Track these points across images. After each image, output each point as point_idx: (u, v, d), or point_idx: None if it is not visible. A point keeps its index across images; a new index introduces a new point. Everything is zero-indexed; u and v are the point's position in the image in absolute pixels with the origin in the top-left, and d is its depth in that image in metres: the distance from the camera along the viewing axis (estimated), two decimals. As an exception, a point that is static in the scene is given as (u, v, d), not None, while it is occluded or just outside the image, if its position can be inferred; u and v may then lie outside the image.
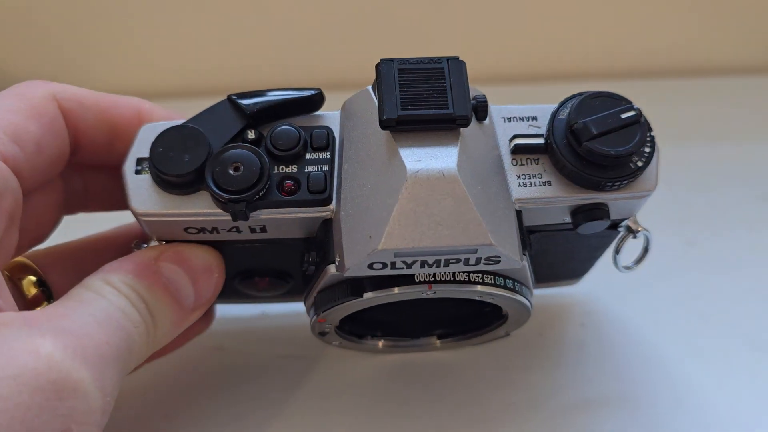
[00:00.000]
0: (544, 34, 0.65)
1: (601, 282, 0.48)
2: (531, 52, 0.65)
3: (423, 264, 0.32)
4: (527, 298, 0.36)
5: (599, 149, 0.33)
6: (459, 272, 0.34)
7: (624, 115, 0.34)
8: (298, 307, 0.40)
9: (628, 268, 0.39)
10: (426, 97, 0.32)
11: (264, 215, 0.33)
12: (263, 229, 0.35)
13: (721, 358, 0.44)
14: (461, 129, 0.32)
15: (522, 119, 0.35)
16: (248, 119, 0.34)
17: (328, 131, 0.34)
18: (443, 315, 0.43)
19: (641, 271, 0.48)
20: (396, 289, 0.34)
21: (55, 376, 0.25)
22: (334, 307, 0.35)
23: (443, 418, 0.42)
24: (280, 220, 0.34)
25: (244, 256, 0.37)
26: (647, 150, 0.34)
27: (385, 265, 0.32)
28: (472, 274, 0.34)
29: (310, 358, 0.44)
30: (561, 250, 0.39)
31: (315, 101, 0.35)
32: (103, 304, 0.31)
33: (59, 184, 0.38)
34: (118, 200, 0.35)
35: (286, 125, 0.34)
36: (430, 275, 0.34)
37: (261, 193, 0.33)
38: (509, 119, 0.35)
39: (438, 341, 0.43)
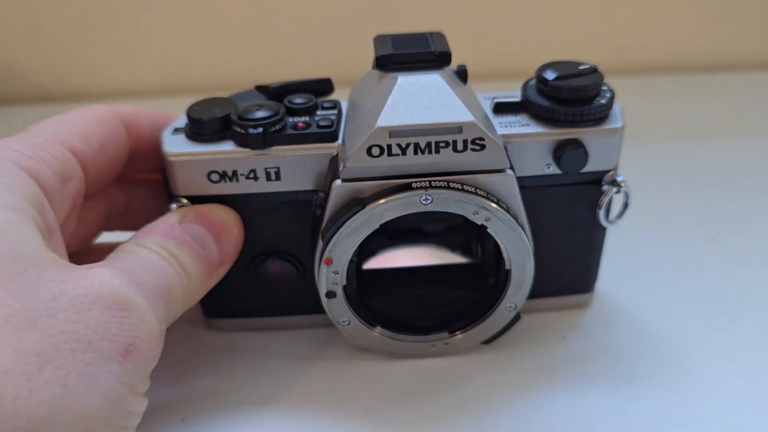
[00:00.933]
0: (542, 31, 0.69)
1: (625, 283, 0.48)
2: (528, 49, 0.69)
3: (416, 149, 0.37)
4: (524, 230, 0.39)
5: (563, 84, 0.39)
6: (453, 182, 0.38)
7: (581, 66, 0.41)
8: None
9: (610, 222, 0.42)
10: (413, 45, 0.40)
11: (278, 150, 0.39)
12: (278, 176, 0.40)
13: (752, 362, 0.42)
14: (445, 68, 0.39)
15: (500, 96, 0.43)
16: (271, 95, 0.42)
17: (337, 102, 0.42)
18: (450, 309, 0.43)
19: (664, 270, 0.50)
20: (392, 196, 0.37)
21: (117, 298, 0.30)
22: (339, 231, 0.38)
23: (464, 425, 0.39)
24: (292, 159, 0.39)
25: (259, 224, 0.41)
26: (608, 94, 0.40)
27: (382, 150, 0.36)
28: (465, 185, 0.38)
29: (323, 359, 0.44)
30: (556, 223, 0.42)
31: (325, 87, 0.43)
32: (144, 256, 0.35)
33: (105, 197, 0.43)
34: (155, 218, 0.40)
35: (301, 94, 0.41)
36: (426, 183, 0.37)
37: (277, 126, 0.39)
38: (488, 98, 0.42)
39: (449, 335, 0.42)
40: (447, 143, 0.36)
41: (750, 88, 0.69)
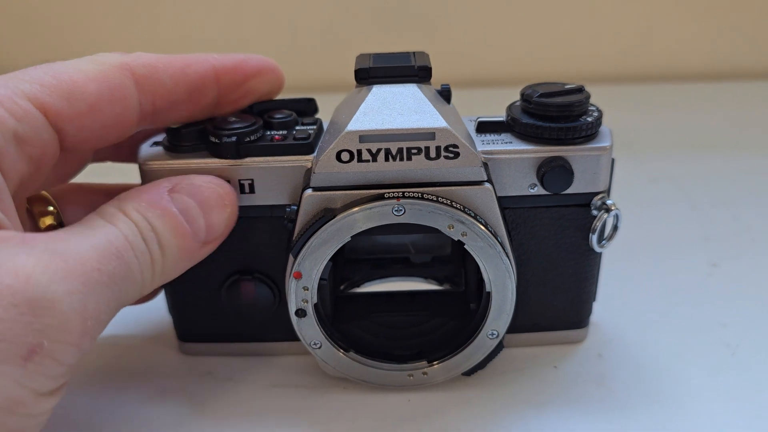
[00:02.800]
0: (545, 41, 0.68)
1: (620, 309, 0.45)
2: (534, 61, 0.67)
3: (387, 155, 0.35)
4: (503, 247, 0.37)
5: (547, 100, 0.38)
6: (427, 193, 0.36)
7: (567, 86, 0.40)
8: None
9: (601, 246, 0.40)
10: (393, 61, 0.39)
11: (252, 162, 0.38)
12: (252, 188, 0.39)
13: (751, 395, 0.39)
14: (425, 84, 0.39)
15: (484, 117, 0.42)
16: (253, 113, 0.42)
17: (318, 119, 0.41)
18: (429, 337, 0.41)
19: (662, 296, 0.47)
20: (365, 206, 0.36)
21: (31, 294, 0.27)
22: (309, 242, 0.36)
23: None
24: (267, 171, 0.38)
25: (233, 240, 0.39)
26: (595, 113, 0.39)
27: (351, 156, 0.35)
28: (440, 196, 0.36)
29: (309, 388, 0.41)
30: (544, 250, 0.40)
31: (309, 107, 0.43)
32: (108, 231, 0.32)
33: None
34: None
35: (282, 111, 0.41)
36: (398, 193, 0.36)
37: (252, 137, 0.38)
38: (473, 120, 0.42)
39: (428, 364, 0.40)
40: (419, 150, 0.35)
41: (756, 98, 0.66)
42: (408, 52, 0.40)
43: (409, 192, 0.36)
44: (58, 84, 0.33)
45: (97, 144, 0.36)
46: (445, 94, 0.40)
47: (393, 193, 0.35)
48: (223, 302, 0.41)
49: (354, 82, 0.38)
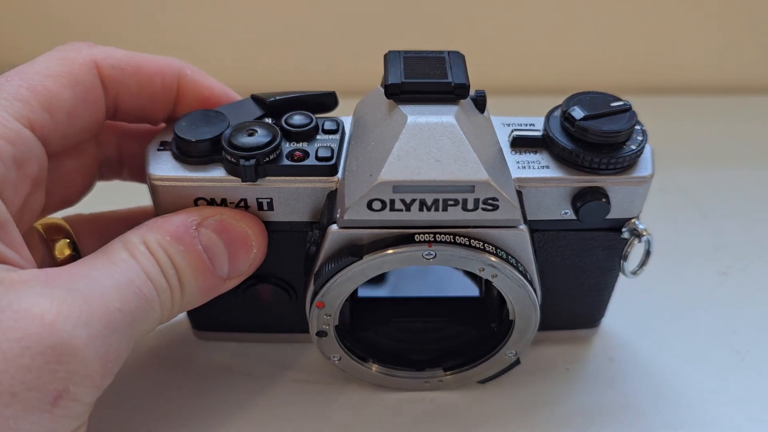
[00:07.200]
0: (558, 49, 0.67)
1: (631, 314, 0.46)
2: (544, 67, 0.66)
3: (422, 205, 0.33)
4: (533, 286, 0.36)
5: (591, 126, 0.35)
6: (460, 236, 0.34)
7: (614, 104, 0.36)
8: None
9: (634, 273, 0.39)
10: (427, 71, 0.35)
11: (272, 182, 0.35)
12: (270, 206, 0.36)
13: (760, 399, 0.40)
14: (461, 101, 0.35)
15: (520, 124, 0.38)
16: (268, 110, 0.38)
17: (339, 121, 0.38)
18: (447, 345, 0.41)
19: (674, 303, 0.47)
20: (393, 249, 0.34)
21: (56, 341, 0.27)
22: (333, 279, 0.35)
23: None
24: (287, 191, 0.35)
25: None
26: (639, 137, 0.36)
27: (384, 205, 0.33)
28: (472, 240, 0.34)
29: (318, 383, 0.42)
30: (568, 265, 0.39)
31: (329, 101, 0.39)
32: (129, 267, 0.31)
33: (92, 150, 0.39)
34: None
35: (301, 112, 0.37)
36: (430, 236, 0.34)
37: (271, 156, 0.35)
38: (508, 124, 0.38)
39: (444, 373, 0.40)
40: (456, 201, 0.33)
41: (765, 111, 0.65)
42: (442, 55, 0.36)
43: (440, 234, 0.34)
44: (36, 96, 0.32)
45: (70, 145, 0.35)
46: (480, 102, 0.37)
47: (424, 236, 0.34)
48: (240, 302, 0.40)
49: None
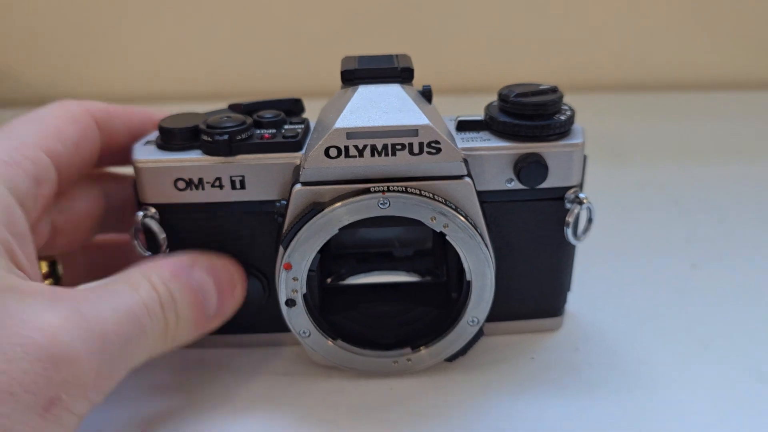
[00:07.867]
0: (542, 47, 0.70)
1: (599, 305, 0.47)
2: (528, 66, 0.70)
3: (373, 151, 0.38)
4: (483, 239, 0.39)
5: (523, 100, 0.41)
6: (411, 187, 0.38)
7: (542, 86, 0.42)
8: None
9: (577, 238, 0.42)
10: (378, 63, 0.41)
11: (244, 159, 0.40)
12: (242, 184, 0.41)
13: (725, 390, 0.41)
14: (408, 85, 0.41)
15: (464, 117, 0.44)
16: (243, 113, 0.44)
17: (305, 119, 0.43)
18: (414, 326, 0.43)
19: (641, 294, 0.49)
20: (352, 199, 0.38)
21: (54, 351, 0.30)
22: (298, 235, 0.38)
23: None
24: (257, 168, 0.40)
25: (225, 235, 0.41)
26: (568, 111, 0.41)
27: (339, 152, 0.37)
28: (423, 190, 0.38)
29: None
30: (521, 242, 0.42)
31: (296, 107, 0.45)
32: (130, 298, 0.35)
33: (101, 200, 0.44)
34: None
35: (271, 110, 0.43)
36: (384, 187, 0.38)
37: (243, 135, 0.40)
38: (452, 119, 0.44)
39: (411, 351, 0.42)
40: (403, 146, 0.37)
41: (746, 108, 0.68)
42: (391, 55, 0.42)
43: (393, 186, 0.37)
44: (48, 128, 0.38)
45: (74, 174, 0.40)
46: (426, 95, 0.42)
47: (378, 186, 0.37)
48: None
49: (339, 85, 0.40)
